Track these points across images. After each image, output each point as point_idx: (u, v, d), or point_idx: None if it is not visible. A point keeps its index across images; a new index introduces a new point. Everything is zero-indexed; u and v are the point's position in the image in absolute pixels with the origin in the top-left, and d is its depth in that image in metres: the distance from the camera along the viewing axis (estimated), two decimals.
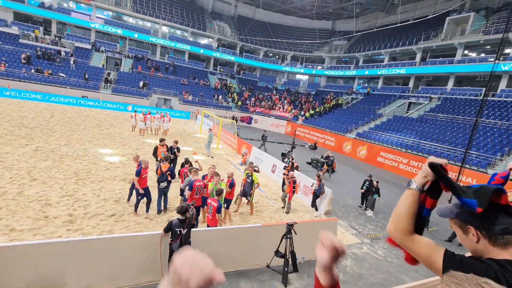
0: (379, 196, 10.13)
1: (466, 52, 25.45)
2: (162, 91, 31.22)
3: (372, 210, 10.05)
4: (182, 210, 4.81)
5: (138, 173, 6.88)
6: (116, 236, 5.24)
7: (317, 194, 9.24)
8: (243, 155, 14.77)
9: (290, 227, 5.45)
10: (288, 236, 5.41)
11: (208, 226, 6.12)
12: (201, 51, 38.68)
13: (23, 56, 25.64)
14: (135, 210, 7.16)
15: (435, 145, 18.49)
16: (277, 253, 5.51)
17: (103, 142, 13.76)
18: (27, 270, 4.11)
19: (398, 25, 25.30)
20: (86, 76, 27.22)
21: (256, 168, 8.80)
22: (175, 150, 10.32)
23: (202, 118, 22.31)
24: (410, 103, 27.40)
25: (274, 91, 39.22)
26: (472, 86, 24.82)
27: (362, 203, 10.50)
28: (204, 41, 40.35)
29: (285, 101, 36.07)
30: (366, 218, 9.65)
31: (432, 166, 1.07)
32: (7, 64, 24.21)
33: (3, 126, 13.34)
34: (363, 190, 10.42)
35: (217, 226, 6.07)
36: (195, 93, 33.17)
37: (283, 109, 34.36)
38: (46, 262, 4.24)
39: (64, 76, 26.31)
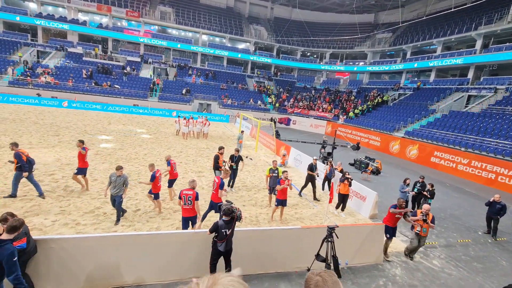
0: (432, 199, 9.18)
1: None
2: (203, 97, 32.74)
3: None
4: (227, 212, 4.71)
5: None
6: (167, 232, 5.57)
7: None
8: (283, 156, 14.67)
9: (331, 230, 5.19)
10: (329, 239, 5.16)
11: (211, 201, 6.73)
12: (239, 55, 39.63)
13: (84, 72, 29.18)
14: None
15: (503, 142, 16.12)
16: (317, 257, 5.29)
17: (151, 146, 14.91)
18: (89, 260, 4.61)
19: (453, 10, 22.65)
20: (151, 86, 30.20)
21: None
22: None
23: (240, 121, 22.77)
24: (469, 97, 24.37)
25: (313, 91, 38.28)
26: None
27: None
28: (241, 45, 41.28)
29: (325, 101, 34.94)
30: None
31: None
32: (73, 80, 27.79)
33: (71, 134, 15.30)
34: (413, 193, 9.55)
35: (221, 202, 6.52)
36: (234, 97, 34.09)
37: (322, 109, 33.32)
38: (104, 254, 4.70)
39: (119, 87, 29.22)
